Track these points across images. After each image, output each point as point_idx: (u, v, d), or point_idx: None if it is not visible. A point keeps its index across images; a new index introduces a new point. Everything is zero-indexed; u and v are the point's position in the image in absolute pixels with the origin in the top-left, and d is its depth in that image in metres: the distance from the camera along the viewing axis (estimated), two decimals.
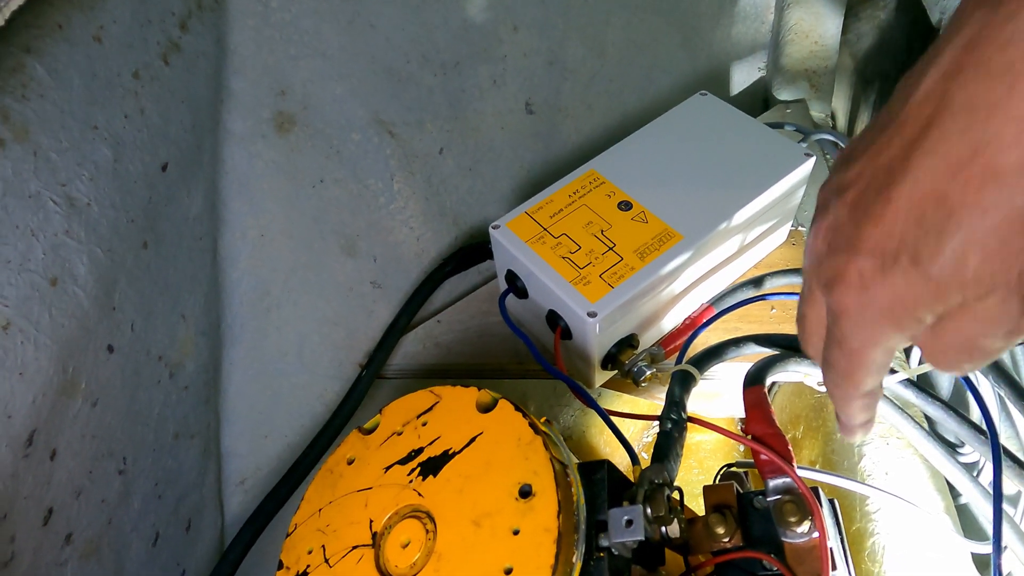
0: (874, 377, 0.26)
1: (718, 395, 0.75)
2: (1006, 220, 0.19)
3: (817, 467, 0.62)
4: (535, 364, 0.67)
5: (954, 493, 0.57)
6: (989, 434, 0.44)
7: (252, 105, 0.57)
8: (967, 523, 0.57)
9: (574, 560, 0.35)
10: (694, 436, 0.81)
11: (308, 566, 0.41)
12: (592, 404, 0.47)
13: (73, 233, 0.39)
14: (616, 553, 0.36)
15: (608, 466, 0.39)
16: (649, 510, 0.36)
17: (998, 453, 0.44)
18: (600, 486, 0.38)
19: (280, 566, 0.42)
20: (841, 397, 0.29)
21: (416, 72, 0.64)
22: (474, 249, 0.72)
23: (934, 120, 0.20)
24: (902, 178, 0.21)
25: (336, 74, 0.60)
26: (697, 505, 0.45)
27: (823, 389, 0.51)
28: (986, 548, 0.51)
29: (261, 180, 0.59)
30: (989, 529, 0.56)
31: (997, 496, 0.42)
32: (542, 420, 0.42)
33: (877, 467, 0.56)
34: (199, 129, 0.52)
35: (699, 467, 0.83)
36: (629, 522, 0.35)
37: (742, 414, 0.81)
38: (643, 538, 0.34)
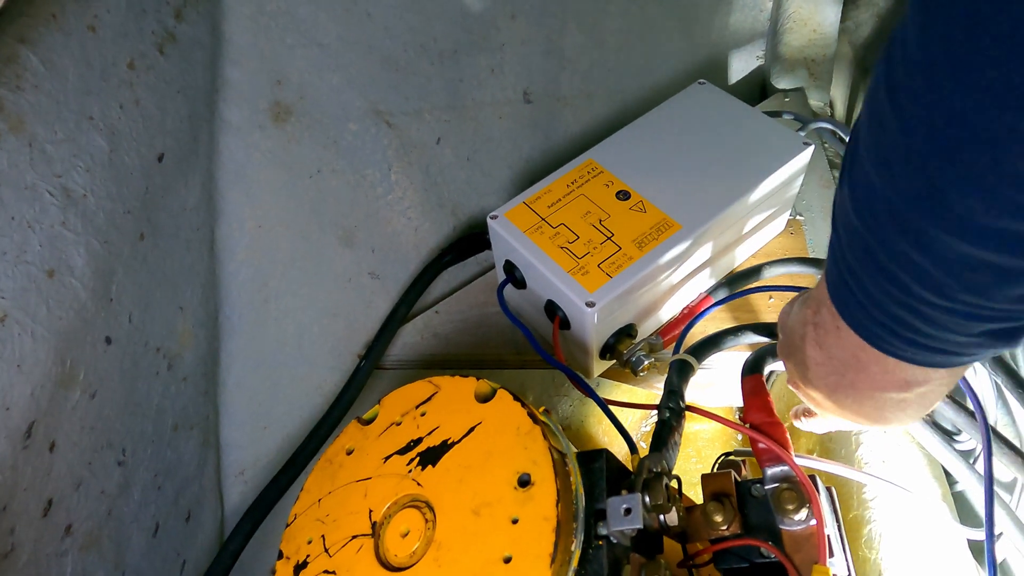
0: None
1: (712, 384, 0.76)
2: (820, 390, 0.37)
3: (814, 455, 0.63)
4: (534, 354, 0.67)
5: (950, 481, 0.57)
6: (978, 416, 0.45)
7: (248, 95, 0.56)
8: (963, 510, 0.57)
9: (573, 548, 0.35)
10: (692, 425, 0.82)
11: (308, 556, 0.41)
12: (591, 394, 0.47)
13: (70, 225, 0.39)
14: (615, 541, 0.36)
15: (606, 455, 0.40)
16: (647, 498, 0.36)
17: (988, 436, 0.44)
18: (598, 475, 0.38)
19: (280, 556, 0.42)
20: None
21: (414, 61, 0.64)
22: (472, 239, 0.72)
23: (804, 340, 0.37)
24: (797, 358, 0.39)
25: (333, 63, 0.60)
26: (695, 494, 0.45)
27: None
28: (982, 535, 0.52)
29: (258, 171, 0.59)
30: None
31: (988, 480, 0.43)
32: (541, 410, 0.42)
33: (874, 455, 0.56)
34: (195, 119, 0.52)
35: (697, 456, 0.83)
36: (628, 510, 0.35)
37: (737, 403, 0.82)
38: (641, 526, 0.34)
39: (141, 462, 0.49)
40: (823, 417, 0.42)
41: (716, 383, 0.68)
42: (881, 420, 0.35)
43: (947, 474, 0.56)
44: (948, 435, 0.54)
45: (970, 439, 0.57)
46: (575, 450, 0.41)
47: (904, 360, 0.30)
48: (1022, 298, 0.24)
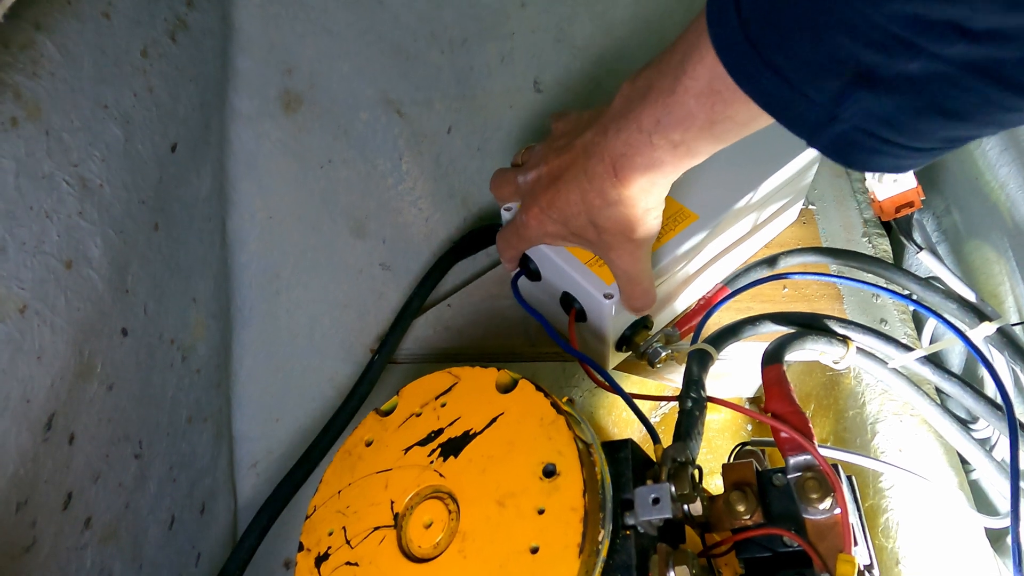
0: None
1: (726, 375, 0.76)
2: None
3: (829, 444, 0.63)
4: (546, 346, 0.66)
5: (965, 469, 0.57)
6: (1005, 407, 0.45)
7: (259, 84, 0.56)
8: (979, 498, 0.58)
9: (600, 538, 0.35)
10: None
11: (329, 547, 0.41)
12: (615, 386, 0.47)
13: (86, 215, 0.39)
14: (642, 531, 0.36)
15: (631, 445, 0.39)
16: (673, 488, 0.36)
17: (1014, 425, 0.44)
18: (624, 464, 0.38)
19: (300, 548, 0.42)
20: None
21: (424, 50, 0.63)
22: (484, 231, 0.71)
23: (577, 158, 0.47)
24: (564, 154, 0.48)
25: (343, 52, 0.59)
26: (708, 484, 0.45)
27: (837, 367, 0.52)
28: (999, 523, 0.52)
29: (269, 160, 0.58)
30: (1002, 504, 0.56)
31: (1014, 470, 0.43)
32: (564, 400, 0.41)
33: (890, 444, 0.56)
34: (207, 108, 0.52)
35: (707, 446, 0.83)
36: (656, 500, 0.35)
37: (748, 394, 0.82)
38: (671, 516, 0.34)
39: (157, 455, 0.49)
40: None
41: (730, 374, 0.67)
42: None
43: (962, 462, 0.56)
44: (963, 423, 0.54)
45: (986, 427, 0.57)
46: (599, 440, 0.40)
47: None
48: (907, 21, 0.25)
